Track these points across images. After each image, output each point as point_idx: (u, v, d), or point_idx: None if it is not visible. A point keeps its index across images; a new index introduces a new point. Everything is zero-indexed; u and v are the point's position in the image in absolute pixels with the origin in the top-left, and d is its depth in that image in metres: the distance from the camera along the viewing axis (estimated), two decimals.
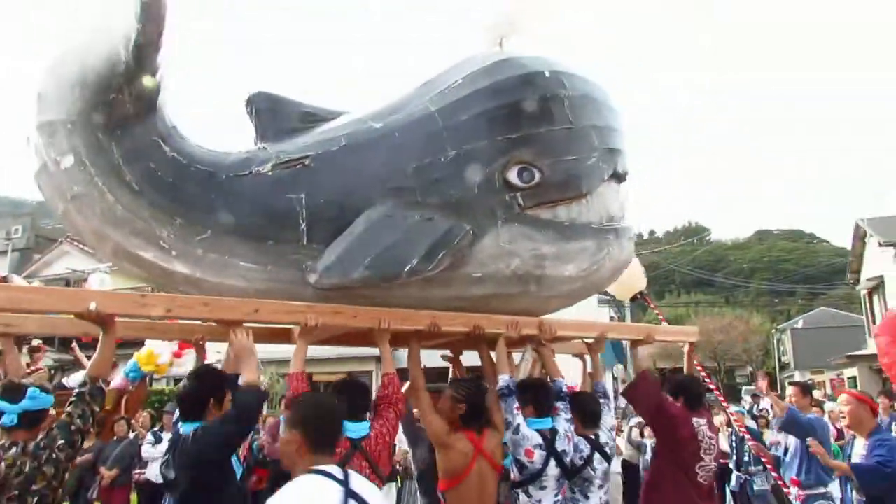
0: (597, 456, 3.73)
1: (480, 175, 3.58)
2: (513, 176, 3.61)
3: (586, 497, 3.62)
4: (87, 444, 7.07)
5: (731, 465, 7.65)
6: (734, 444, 7.60)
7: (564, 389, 3.84)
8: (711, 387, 6.23)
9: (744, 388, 27.56)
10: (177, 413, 3.30)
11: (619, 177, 4.09)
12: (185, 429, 2.86)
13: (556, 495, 3.48)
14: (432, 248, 3.36)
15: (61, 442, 2.52)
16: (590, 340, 4.25)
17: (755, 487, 7.16)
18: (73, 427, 2.57)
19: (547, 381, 3.87)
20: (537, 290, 3.70)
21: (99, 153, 3.16)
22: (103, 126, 3.15)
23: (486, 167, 3.59)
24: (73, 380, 8.06)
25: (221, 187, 3.36)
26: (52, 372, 9.07)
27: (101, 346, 2.76)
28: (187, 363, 4.24)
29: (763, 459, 6.30)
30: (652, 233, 71.66)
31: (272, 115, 3.89)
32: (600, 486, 3.71)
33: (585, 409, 3.81)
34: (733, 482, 7.60)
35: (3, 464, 2.43)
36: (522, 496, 3.43)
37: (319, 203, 3.44)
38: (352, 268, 3.23)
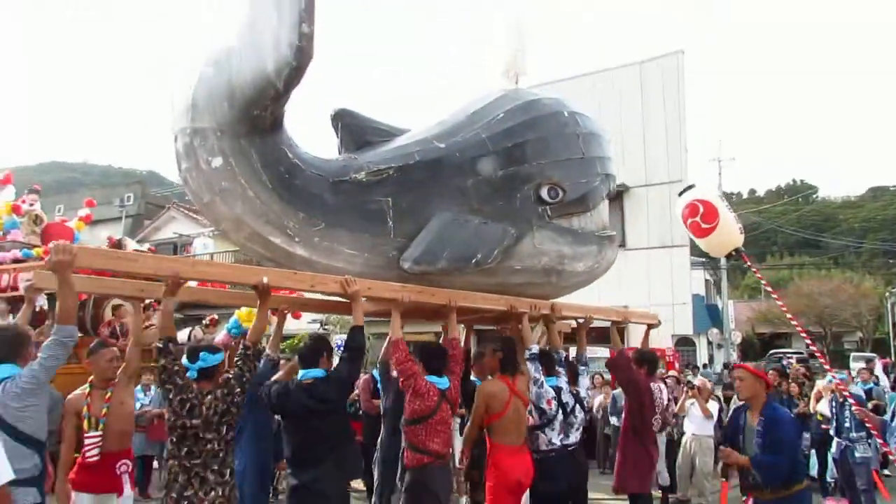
0: (577, 406, 4.96)
1: (521, 191, 4.69)
2: (544, 193, 4.74)
3: (568, 436, 4.80)
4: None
5: (832, 432, 7.32)
6: (834, 410, 7.22)
7: (563, 358, 5.04)
8: (817, 353, 6.99)
9: (852, 354, 27.02)
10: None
11: (609, 195, 5.33)
12: (308, 374, 3.74)
13: (559, 434, 4.68)
14: (490, 246, 4.44)
15: (238, 389, 3.38)
16: (581, 321, 5.48)
17: (856, 454, 6.83)
18: (243, 378, 3.43)
19: (550, 351, 5.05)
20: (557, 281, 4.90)
21: (242, 157, 3.94)
22: (246, 135, 3.93)
23: (525, 185, 4.70)
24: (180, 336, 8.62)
25: (330, 189, 4.24)
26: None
27: (259, 315, 3.61)
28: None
29: (868, 425, 6.20)
30: (752, 192, 66.73)
31: (353, 128, 4.80)
32: (577, 429, 4.95)
33: (574, 371, 5.05)
34: (834, 448, 7.28)
35: (204, 406, 3.26)
36: (541, 435, 4.60)
37: (402, 206, 4.40)
38: (436, 259, 4.26)
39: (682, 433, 7.86)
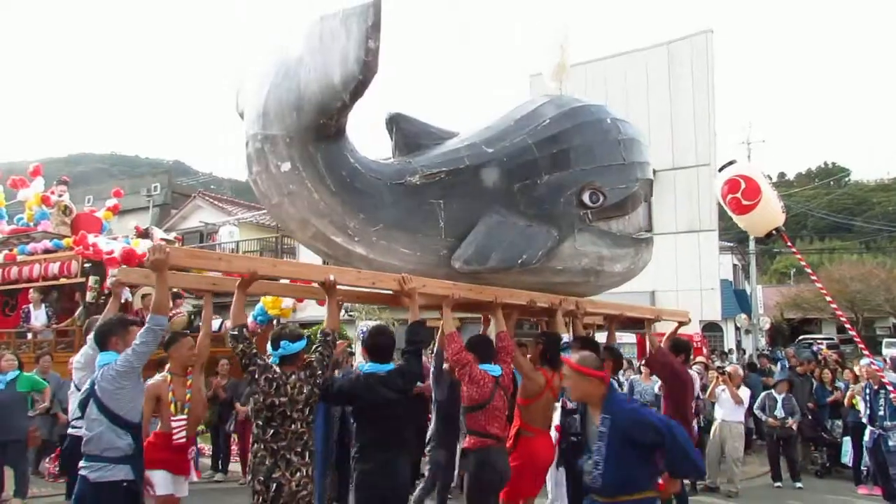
0: None
1: (564, 196, 4.95)
2: (586, 197, 5.00)
3: None
4: (223, 383, 7.96)
5: (865, 420, 7.33)
6: (869, 398, 7.21)
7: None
8: (855, 337, 6.83)
9: (885, 340, 26.85)
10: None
11: (646, 199, 5.56)
12: (381, 369, 4.04)
13: None
14: (535, 248, 4.73)
15: (319, 372, 3.72)
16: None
17: (889, 443, 6.86)
18: (325, 362, 3.77)
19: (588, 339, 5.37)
20: (595, 281, 5.18)
21: (308, 162, 4.25)
22: (313, 142, 4.24)
23: (568, 190, 4.96)
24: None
25: (388, 191, 4.54)
26: (192, 316, 9.86)
27: (329, 307, 3.95)
28: (308, 308, 5.31)
29: None
30: (782, 175, 64.06)
31: (406, 132, 5.09)
32: None
33: (617, 360, 5.39)
34: (867, 437, 7.31)
35: (289, 386, 3.60)
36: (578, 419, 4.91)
37: (453, 208, 4.70)
38: (485, 259, 4.56)
39: (711, 420, 8.11)
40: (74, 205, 11.95)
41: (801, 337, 31.90)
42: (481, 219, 4.74)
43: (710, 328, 19.67)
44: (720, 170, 6.58)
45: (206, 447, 8.97)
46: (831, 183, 57.71)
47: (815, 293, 32.46)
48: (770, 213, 6.03)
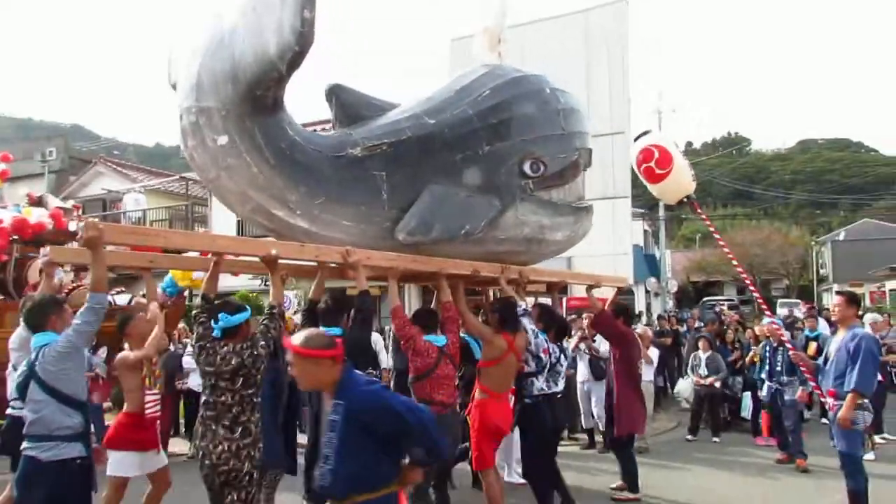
0: (562, 357, 5.47)
1: (506, 166, 5.01)
2: (527, 167, 5.07)
3: (556, 384, 5.34)
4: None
5: (763, 375, 7.68)
6: (766, 354, 7.58)
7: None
8: (757, 296, 7.25)
9: (779, 300, 28.14)
10: None
11: (585, 168, 5.68)
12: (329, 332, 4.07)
13: (545, 381, 5.15)
14: (477, 219, 4.79)
15: (262, 343, 3.69)
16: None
17: (786, 397, 7.20)
18: (269, 334, 3.74)
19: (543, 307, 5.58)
20: (537, 249, 5.30)
21: (246, 135, 4.16)
22: (249, 114, 4.15)
23: (509, 160, 5.02)
24: (120, 299, 8.73)
25: (329, 164, 4.51)
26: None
27: (273, 281, 3.92)
28: (222, 278, 5.12)
29: (802, 368, 6.30)
30: (689, 144, 66.58)
31: (346, 103, 5.04)
32: (561, 377, 5.47)
33: (564, 327, 5.55)
34: (764, 392, 7.65)
35: (218, 357, 3.57)
36: (535, 382, 5.07)
37: (395, 179, 4.70)
38: (428, 230, 4.60)
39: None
40: None
41: (704, 298, 33.76)
42: (424, 190, 4.76)
43: (622, 292, 20.29)
44: (635, 139, 6.83)
45: None
46: (734, 152, 60.15)
47: (718, 257, 35.66)
48: (681, 181, 6.26)
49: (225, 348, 3.60)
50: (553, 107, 5.27)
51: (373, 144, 4.70)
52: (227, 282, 5.36)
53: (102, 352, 7.79)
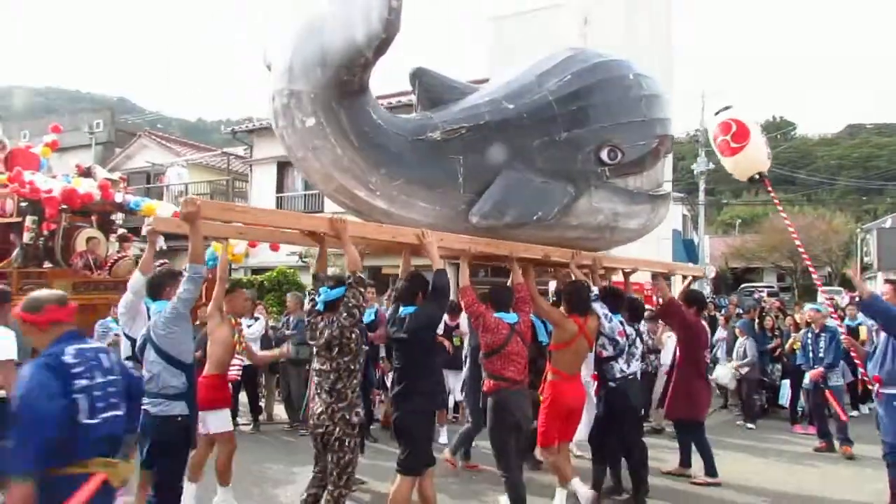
0: (638, 339, 5.51)
1: (582, 153, 5.03)
2: (604, 154, 5.07)
3: (630, 365, 5.32)
4: None
5: (801, 361, 7.75)
6: (808, 341, 7.57)
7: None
8: (817, 282, 7.33)
9: (820, 288, 29.12)
10: None
11: (665, 154, 5.61)
12: (405, 311, 4.33)
13: (625, 363, 5.22)
14: (551, 205, 4.86)
15: (344, 314, 3.96)
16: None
17: (829, 384, 7.22)
18: (349, 304, 3.99)
19: (616, 290, 5.65)
20: (609, 237, 5.33)
21: (332, 118, 4.38)
22: (337, 98, 4.36)
23: (586, 147, 5.04)
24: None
25: (409, 147, 4.67)
26: (139, 260, 9.83)
27: (346, 250, 4.15)
28: (261, 253, 5.50)
29: (853, 354, 6.31)
30: None
31: (429, 87, 5.17)
32: (637, 359, 5.50)
33: (636, 308, 5.58)
34: (807, 379, 7.63)
35: (317, 330, 3.93)
36: (615, 365, 5.16)
37: (472, 163, 4.81)
38: (502, 215, 4.71)
39: (659, 365, 8.28)
40: (8, 140, 10.64)
41: (743, 285, 32.70)
42: (500, 174, 4.86)
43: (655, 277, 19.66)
44: (716, 114, 6.76)
45: None
46: (778, 136, 57.31)
47: (757, 243, 35.22)
48: (756, 157, 6.22)
49: (322, 322, 3.98)
50: (635, 93, 5.22)
51: (452, 128, 4.82)
52: (265, 257, 5.69)
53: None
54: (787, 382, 9.02)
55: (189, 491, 4.44)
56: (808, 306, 7.92)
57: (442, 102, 5.12)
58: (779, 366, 9.31)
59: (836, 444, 7.19)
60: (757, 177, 6.52)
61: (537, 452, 5.65)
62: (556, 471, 5.05)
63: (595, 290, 5.19)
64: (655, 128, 5.31)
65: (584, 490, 5.03)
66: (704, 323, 6.34)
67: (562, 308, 5.13)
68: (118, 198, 9.03)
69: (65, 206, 8.46)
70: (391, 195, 4.64)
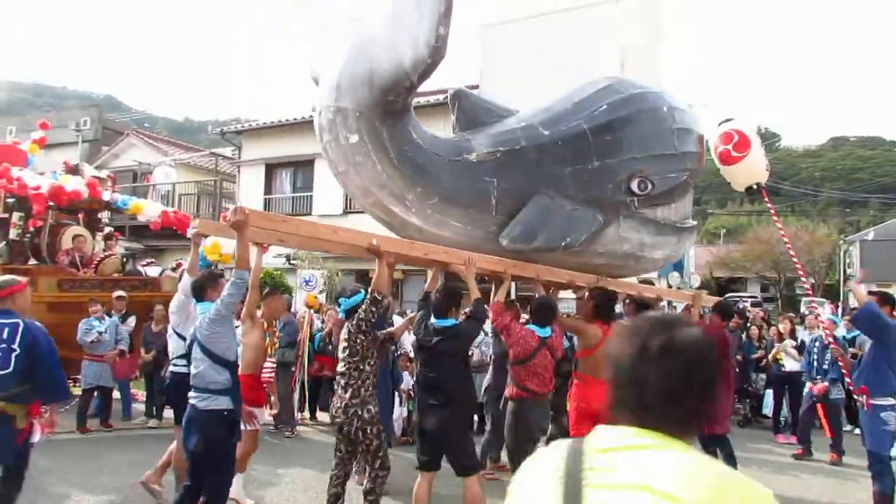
0: None
1: (613, 182, 5.15)
2: (634, 185, 5.19)
3: None
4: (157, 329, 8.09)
5: (802, 368, 7.90)
6: (817, 353, 7.53)
7: None
8: (808, 290, 7.82)
9: (803, 299, 27.97)
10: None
11: (693, 187, 5.71)
12: (439, 323, 4.50)
13: None
14: (579, 232, 4.99)
15: (354, 322, 4.28)
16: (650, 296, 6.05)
17: (830, 396, 7.28)
18: (361, 317, 4.27)
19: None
20: (634, 265, 5.45)
21: (375, 136, 4.55)
22: (380, 117, 4.53)
23: (617, 177, 5.16)
24: (150, 270, 9.31)
25: (445, 167, 4.83)
26: (125, 259, 10.02)
27: (379, 269, 4.34)
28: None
29: (840, 363, 6.44)
30: None
31: (467, 109, 5.33)
32: None
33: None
34: (807, 388, 7.65)
35: (342, 338, 4.13)
36: None
37: (505, 186, 4.96)
38: (531, 239, 4.85)
39: None
40: None
41: (727, 295, 32.45)
42: (531, 199, 5.00)
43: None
44: (718, 125, 6.83)
45: (140, 393, 8.95)
46: (762, 147, 57.56)
47: (742, 253, 35.01)
48: (755, 167, 6.31)
49: (343, 328, 4.21)
50: (668, 126, 5.33)
51: (488, 151, 4.97)
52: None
53: (131, 321, 8.15)
54: (770, 392, 9.14)
55: (238, 481, 4.81)
56: (825, 315, 7.95)
57: (479, 124, 5.28)
58: (763, 375, 9.42)
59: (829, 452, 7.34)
60: (755, 187, 6.63)
61: None
62: None
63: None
64: (686, 161, 5.42)
65: None
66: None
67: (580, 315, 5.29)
68: (106, 196, 9.02)
69: (52, 204, 8.45)
70: (425, 213, 4.79)
